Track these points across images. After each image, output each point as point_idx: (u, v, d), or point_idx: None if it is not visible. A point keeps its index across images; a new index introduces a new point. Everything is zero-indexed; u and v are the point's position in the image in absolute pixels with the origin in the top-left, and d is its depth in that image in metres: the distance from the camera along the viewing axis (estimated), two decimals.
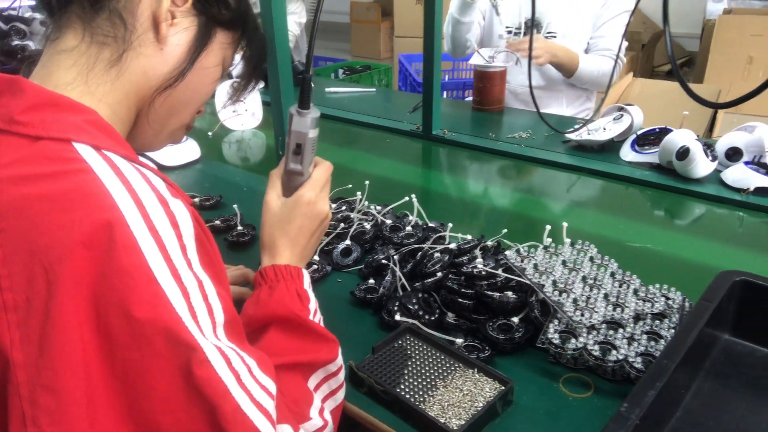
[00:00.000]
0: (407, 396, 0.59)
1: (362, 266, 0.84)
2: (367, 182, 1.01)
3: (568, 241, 0.80)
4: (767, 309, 0.66)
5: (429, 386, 0.61)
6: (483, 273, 0.73)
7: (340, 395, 0.58)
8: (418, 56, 2.87)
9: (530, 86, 1.33)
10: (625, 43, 1.82)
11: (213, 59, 0.54)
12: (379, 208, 0.99)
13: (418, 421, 0.58)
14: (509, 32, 1.84)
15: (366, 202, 1.00)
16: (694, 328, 0.59)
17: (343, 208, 0.99)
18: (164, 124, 0.55)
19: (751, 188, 1.09)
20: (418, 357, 0.65)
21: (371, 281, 0.79)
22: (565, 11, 1.76)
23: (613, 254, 0.78)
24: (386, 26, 5.77)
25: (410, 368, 0.64)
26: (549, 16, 1.78)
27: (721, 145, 1.21)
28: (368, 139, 1.54)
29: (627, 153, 1.30)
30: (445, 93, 2.81)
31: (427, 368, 0.64)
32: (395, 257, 0.80)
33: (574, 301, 0.66)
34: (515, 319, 0.69)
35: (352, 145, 1.52)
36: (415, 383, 0.62)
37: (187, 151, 1.31)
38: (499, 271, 0.73)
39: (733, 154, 1.19)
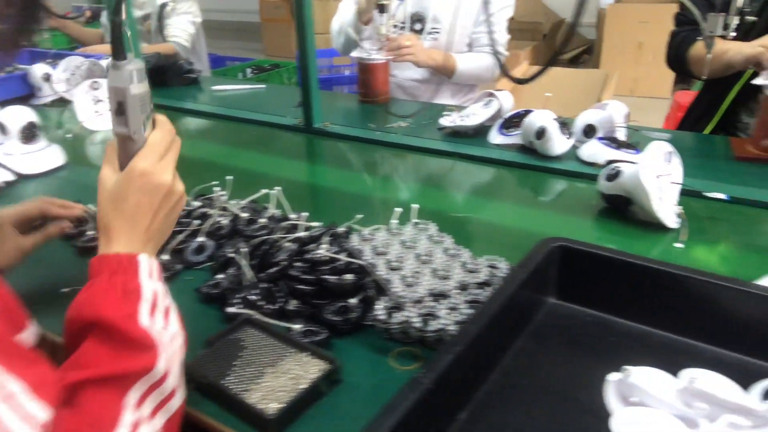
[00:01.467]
0: (231, 387, 0.59)
1: (211, 263, 0.83)
2: (229, 177, 1.00)
3: (414, 221, 0.82)
4: (586, 272, 0.71)
5: (257, 374, 0.61)
6: (324, 258, 0.74)
7: (175, 403, 0.52)
8: (321, 52, 2.86)
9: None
10: (507, 36, 1.89)
11: None
12: (239, 202, 0.98)
13: (238, 410, 0.58)
14: (394, 26, 1.86)
15: (225, 197, 0.99)
16: (503, 293, 0.62)
17: (200, 204, 0.98)
18: None
19: (602, 162, 1.16)
20: (252, 347, 0.65)
21: (220, 276, 0.78)
22: (448, 6, 1.80)
23: (459, 231, 0.81)
24: None
25: (242, 359, 0.64)
26: (433, 10, 1.82)
27: (578, 123, 1.28)
28: (250, 136, 1.52)
29: (494, 136, 1.35)
30: (347, 88, 2.82)
31: (259, 357, 0.64)
32: (243, 250, 0.80)
33: (403, 277, 0.68)
34: (353, 301, 0.70)
35: (232, 142, 1.50)
36: (244, 373, 0.62)
37: (49, 157, 1.25)
38: (340, 255, 0.74)
39: (590, 131, 1.26)
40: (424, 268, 0.70)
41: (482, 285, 0.69)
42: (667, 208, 0.91)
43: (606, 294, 0.69)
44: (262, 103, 1.77)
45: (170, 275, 0.82)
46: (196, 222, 0.90)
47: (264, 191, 0.95)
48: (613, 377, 0.53)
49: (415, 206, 0.88)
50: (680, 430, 0.49)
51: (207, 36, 2.95)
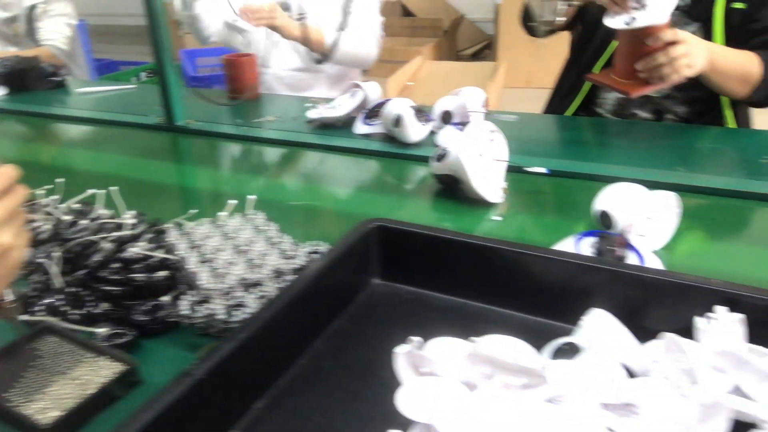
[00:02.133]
0: (11, 399, 0.55)
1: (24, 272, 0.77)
2: (60, 180, 0.94)
3: (251, 213, 0.80)
4: (404, 250, 0.71)
5: (45, 384, 0.57)
6: (137, 256, 0.70)
7: None
8: (204, 51, 2.78)
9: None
10: (382, 18, 1.90)
11: None
12: (63, 206, 0.92)
13: (14, 423, 0.53)
14: None
15: (51, 202, 0.92)
16: (307, 276, 0.61)
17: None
18: None
19: None
20: (47, 356, 0.61)
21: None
22: None
23: (297, 220, 0.80)
24: None
25: (33, 369, 0.59)
26: None
27: (436, 110, 1.29)
28: (109, 138, 1.45)
29: (359, 126, 1.34)
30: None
31: (52, 366, 0.59)
32: (56, 254, 0.74)
33: (213, 269, 0.66)
34: (165, 298, 0.67)
35: (89, 145, 1.42)
36: (31, 383, 0.57)
37: None
38: (153, 252, 0.70)
39: (447, 117, 1.29)
40: (239, 258, 0.68)
41: (299, 270, 0.68)
42: (490, 185, 0.94)
43: (424, 270, 0.70)
44: (129, 104, 1.69)
45: None
46: None
47: (91, 191, 0.89)
48: (400, 349, 0.53)
49: (251, 197, 0.85)
50: (460, 392, 0.50)
51: (101, 41, 2.82)
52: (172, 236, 0.73)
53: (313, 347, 0.61)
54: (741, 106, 1.35)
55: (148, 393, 0.58)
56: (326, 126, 1.41)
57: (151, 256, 0.70)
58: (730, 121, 1.35)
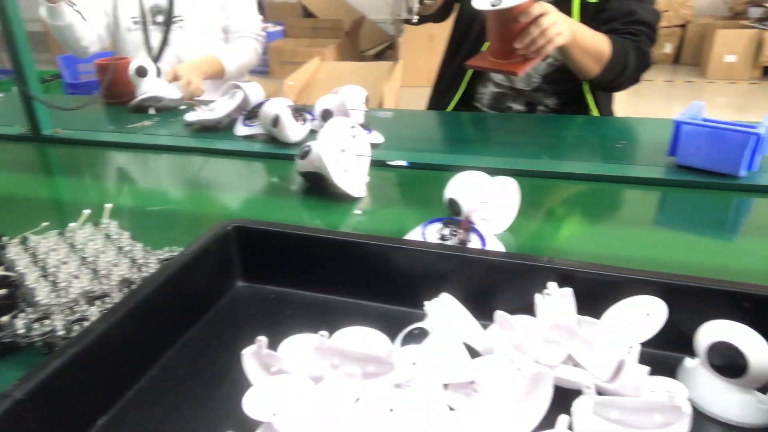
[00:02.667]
0: None
1: None
2: None
3: (105, 222, 0.76)
4: (265, 250, 0.70)
5: None
6: None
7: None
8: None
9: None
10: (260, 17, 1.88)
11: None
12: None
13: None
14: (135, 22, 1.76)
15: None
16: (151, 283, 0.58)
17: None
18: None
19: None
20: None
21: None
22: None
23: (155, 226, 0.77)
24: None
25: None
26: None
27: (317, 108, 1.29)
28: None
29: (239, 128, 1.32)
30: None
31: None
32: None
33: (53, 283, 0.62)
34: (4, 319, 0.62)
35: None
36: None
37: None
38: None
39: (327, 116, 1.29)
40: (85, 271, 0.65)
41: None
42: (353, 180, 0.96)
43: (285, 269, 0.69)
44: None
45: None
46: None
47: None
48: (247, 351, 0.53)
49: (107, 206, 0.81)
50: (306, 387, 0.50)
51: None
52: (12, 252, 0.68)
53: (166, 357, 0.59)
54: (601, 95, 1.44)
55: None
56: (207, 129, 1.37)
57: None
58: (594, 110, 1.44)
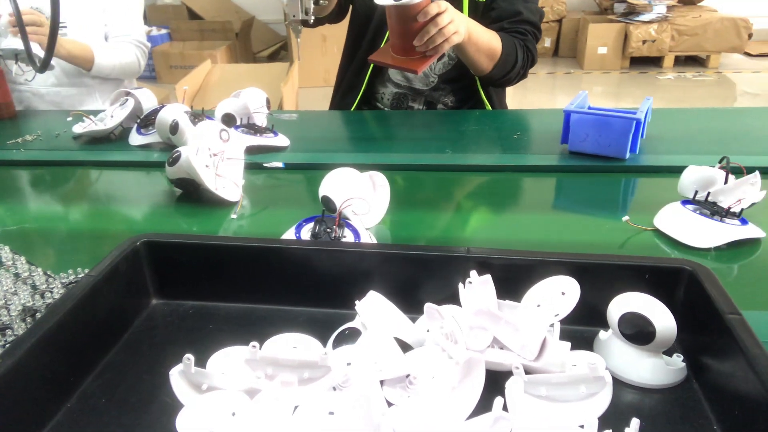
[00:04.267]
0: None
1: None
2: None
3: None
4: (177, 263, 0.67)
5: None
6: None
7: None
8: None
9: None
10: (143, 26, 1.79)
11: None
12: None
13: None
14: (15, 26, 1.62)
15: None
16: (57, 311, 0.54)
17: None
18: None
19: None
20: None
21: None
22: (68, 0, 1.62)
23: (50, 248, 0.71)
24: None
25: None
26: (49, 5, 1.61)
27: (217, 113, 1.25)
28: None
29: (134, 138, 1.25)
30: None
31: None
32: None
33: None
34: None
35: None
36: None
37: None
38: None
39: (229, 120, 1.25)
40: None
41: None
42: (227, 183, 0.96)
43: (203, 281, 0.67)
44: None
45: None
46: None
47: None
48: (175, 370, 0.50)
49: None
50: (242, 401, 0.48)
51: None
52: None
53: (83, 387, 0.55)
54: (493, 91, 1.51)
55: None
56: (98, 140, 1.28)
57: None
58: (488, 105, 1.50)
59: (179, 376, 0.50)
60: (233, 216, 0.92)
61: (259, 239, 0.67)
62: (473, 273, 0.58)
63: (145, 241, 0.65)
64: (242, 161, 1.02)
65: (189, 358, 0.50)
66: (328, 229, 0.77)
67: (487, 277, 0.58)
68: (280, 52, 6.18)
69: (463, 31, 1.18)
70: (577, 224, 0.89)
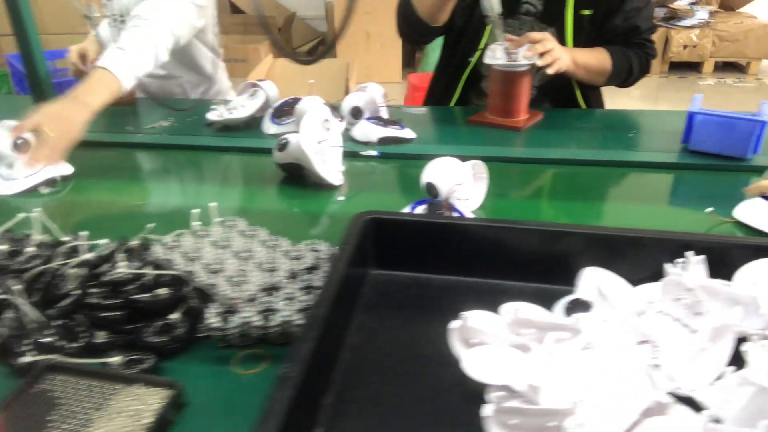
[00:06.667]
0: None
1: None
2: None
3: (217, 220, 0.77)
4: (397, 239, 0.74)
5: (84, 424, 0.52)
6: (128, 277, 0.65)
7: None
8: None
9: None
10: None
11: None
12: None
13: None
14: (114, 20, 1.70)
15: None
16: (337, 271, 0.62)
17: None
18: None
19: (375, 140, 1.23)
20: (65, 396, 0.55)
21: None
22: None
23: (265, 224, 0.79)
24: None
25: (58, 413, 0.53)
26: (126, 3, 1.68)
27: (345, 106, 1.33)
28: None
29: (268, 126, 1.33)
30: None
31: (79, 404, 0.54)
32: (16, 287, 0.66)
33: (228, 278, 0.64)
34: (175, 316, 0.63)
35: None
36: (67, 427, 0.51)
37: None
38: (145, 270, 0.66)
39: (357, 113, 1.33)
40: (247, 265, 0.67)
41: (310, 270, 0.69)
42: (331, 169, 1.05)
43: (417, 255, 0.74)
44: None
45: None
46: None
47: (22, 215, 0.79)
48: (453, 325, 0.58)
49: (212, 204, 0.82)
50: (518, 357, 0.56)
51: None
52: (158, 251, 0.69)
53: (350, 342, 0.63)
54: (591, 96, 1.57)
55: (196, 414, 0.55)
56: (227, 128, 1.37)
57: (143, 275, 0.66)
58: (582, 103, 1.57)
59: (456, 331, 0.58)
60: (340, 198, 1.02)
61: (463, 218, 0.74)
62: (689, 253, 0.65)
63: (372, 218, 0.73)
64: (341, 148, 1.11)
65: (465, 315, 0.58)
66: (439, 212, 0.85)
67: (700, 258, 0.65)
68: (318, 48, 6.25)
69: (567, 59, 1.31)
70: (689, 217, 0.95)
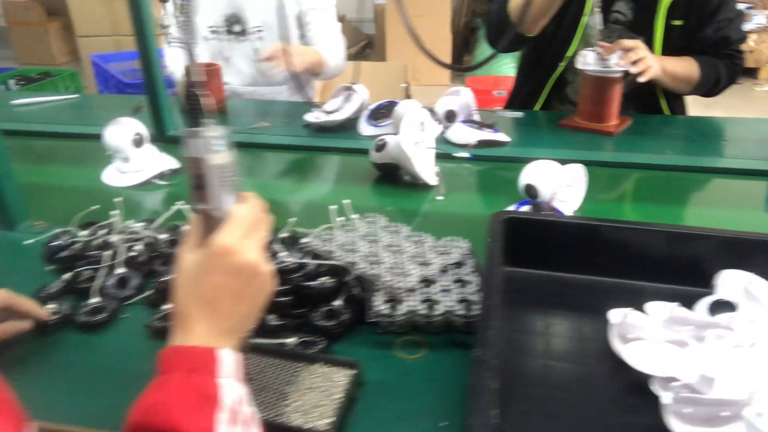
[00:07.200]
0: (264, 417, 0.54)
1: (147, 294, 0.73)
2: (118, 199, 0.88)
3: (355, 216, 0.82)
4: (531, 238, 0.78)
5: (280, 397, 0.57)
6: (293, 266, 0.70)
7: None
8: (116, 55, 2.60)
9: None
10: (339, 24, 1.92)
11: None
12: (140, 225, 0.87)
13: None
14: (213, 32, 1.78)
15: (119, 222, 0.87)
16: (496, 265, 0.66)
17: (88, 233, 0.85)
18: None
19: (474, 142, 1.27)
20: (254, 372, 0.60)
21: (168, 307, 0.69)
22: (265, 4, 1.75)
23: (396, 220, 0.83)
24: (56, 27, 5.04)
25: (252, 386, 0.58)
26: (249, 11, 1.76)
27: (439, 109, 1.37)
28: (87, 154, 1.33)
29: (365, 128, 1.38)
30: None
31: (269, 380, 0.59)
32: None
33: (389, 269, 0.68)
34: (338, 303, 0.68)
35: (74, 161, 1.30)
36: (264, 399, 0.57)
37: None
38: (309, 260, 0.71)
39: (451, 116, 1.37)
40: (401, 258, 0.71)
41: (457, 264, 0.73)
42: (426, 169, 1.09)
43: (548, 254, 0.78)
44: (82, 115, 1.56)
45: (107, 316, 0.70)
46: (107, 253, 0.78)
47: (178, 205, 0.86)
48: (613, 320, 0.61)
49: (346, 202, 0.88)
50: (678, 351, 0.59)
51: None
52: (316, 243, 0.74)
53: (507, 333, 0.67)
54: (675, 103, 1.58)
55: (372, 392, 0.60)
56: (322, 129, 1.42)
57: (306, 264, 0.71)
58: (665, 109, 1.58)
59: (616, 326, 0.61)
60: (439, 198, 1.06)
61: (594, 218, 0.78)
62: None
63: (509, 217, 0.77)
64: (434, 150, 1.15)
65: (625, 311, 0.61)
66: (544, 212, 0.88)
67: None
68: (365, 51, 6.33)
69: (657, 67, 1.32)
70: None
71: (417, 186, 1.10)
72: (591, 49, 1.34)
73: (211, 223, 0.50)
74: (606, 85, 1.36)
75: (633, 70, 1.30)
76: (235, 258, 0.48)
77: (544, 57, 1.56)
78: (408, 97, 1.41)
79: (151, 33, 1.26)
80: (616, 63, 1.32)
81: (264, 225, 0.52)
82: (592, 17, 1.35)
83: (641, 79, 1.31)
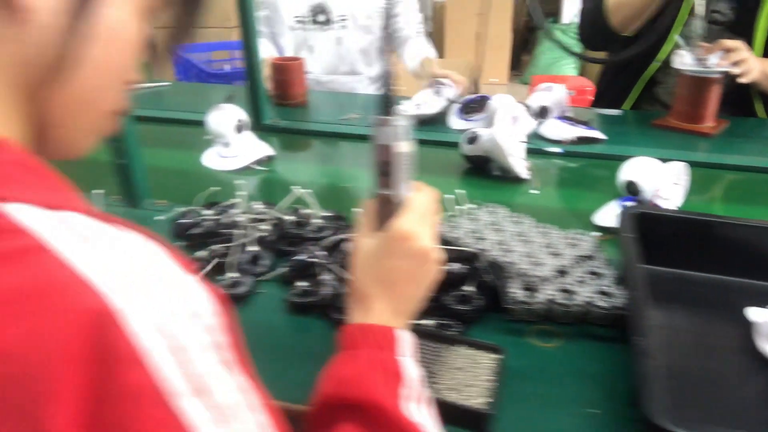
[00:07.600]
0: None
1: (281, 271, 0.76)
2: (241, 181, 0.92)
3: (470, 206, 0.83)
4: (664, 235, 0.77)
5: (428, 376, 0.58)
6: None
7: None
8: (194, 46, 2.67)
9: None
10: (420, 15, 1.93)
11: (118, 12, 0.35)
12: (262, 206, 0.90)
13: (447, 414, 0.54)
14: (298, 21, 1.81)
15: (244, 204, 0.90)
16: (633, 259, 0.66)
17: (213, 212, 0.88)
18: (80, 120, 0.38)
19: (571, 138, 1.26)
20: None
21: (302, 284, 0.72)
22: None
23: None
24: None
25: None
26: (334, 1, 1.79)
27: (532, 104, 1.37)
28: (184, 138, 1.38)
29: (455, 122, 1.39)
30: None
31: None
32: (321, 253, 0.74)
33: (523, 257, 0.69)
34: (469, 288, 0.69)
35: (172, 145, 1.36)
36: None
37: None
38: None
39: (544, 112, 1.36)
40: (532, 247, 0.72)
41: (586, 257, 0.73)
42: (519, 162, 1.09)
43: (675, 251, 0.77)
44: (178, 102, 1.62)
45: (248, 290, 0.73)
46: (238, 232, 0.81)
47: (297, 191, 0.89)
48: (758, 318, 0.61)
49: (460, 191, 0.89)
50: None
51: None
52: (444, 230, 0.75)
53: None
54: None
55: (514, 377, 0.61)
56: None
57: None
58: (761, 113, 1.53)
59: (762, 325, 0.61)
60: (534, 191, 1.06)
61: (737, 218, 0.76)
62: None
63: (641, 212, 0.76)
64: (525, 144, 1.15)
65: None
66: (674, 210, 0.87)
67: None
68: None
69: (757, 70, 1.29)
70: None
71: (507, 179, 1.11)
72: (688, 48, 1.32)
73: (388, 208, 0.52)
74: (704, 85, 1.33)
75: (735, 71, 1.27)
76: (413, 243, 0.50)
77: (637, 56, 1.53)
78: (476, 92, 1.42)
79: (254, 24, 1.30)
80: (717, 63, 1.29)
81: (436, 214, 0.55)
82: (692, 18, 1.32)
83: (742, 80, 1.28)
